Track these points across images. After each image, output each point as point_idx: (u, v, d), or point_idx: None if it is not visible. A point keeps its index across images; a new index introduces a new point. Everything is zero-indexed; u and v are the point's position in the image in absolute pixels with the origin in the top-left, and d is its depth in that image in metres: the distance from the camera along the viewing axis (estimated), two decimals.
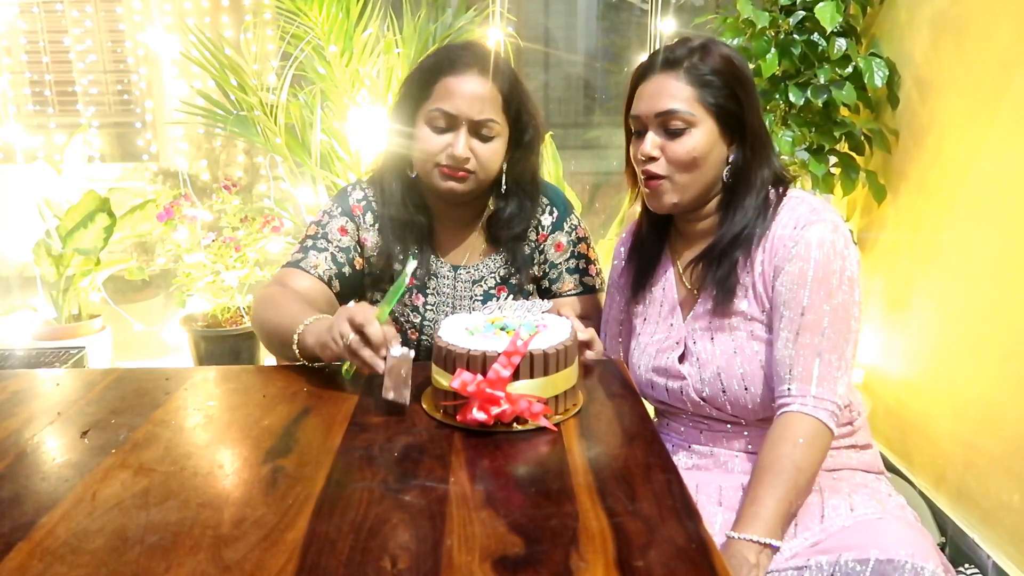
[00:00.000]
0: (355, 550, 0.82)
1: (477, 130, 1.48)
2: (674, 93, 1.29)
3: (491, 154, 1.51)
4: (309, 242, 1.59)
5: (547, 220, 1.67)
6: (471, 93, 1.46)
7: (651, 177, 1.33)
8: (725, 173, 1.33)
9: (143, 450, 1.07)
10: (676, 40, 1.35)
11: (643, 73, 1.34)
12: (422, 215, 1.60)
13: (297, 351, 1.34)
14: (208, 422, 1.18)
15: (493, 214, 1.62)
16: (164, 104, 3.60)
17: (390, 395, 1.18)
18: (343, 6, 2.79)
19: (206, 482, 0.99)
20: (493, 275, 1.64)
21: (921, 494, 2.27)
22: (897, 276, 2.45)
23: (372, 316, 1.19)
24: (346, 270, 1.60)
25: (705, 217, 1.39)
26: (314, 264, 1.56)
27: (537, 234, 1.67)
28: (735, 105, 1.29)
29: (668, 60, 1.31)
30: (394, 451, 1.07)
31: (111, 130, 3.73)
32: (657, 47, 3.09)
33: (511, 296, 1.64)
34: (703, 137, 1.29)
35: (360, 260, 1.62)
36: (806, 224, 1.28)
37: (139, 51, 3.61)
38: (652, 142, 1.31)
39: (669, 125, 1.29)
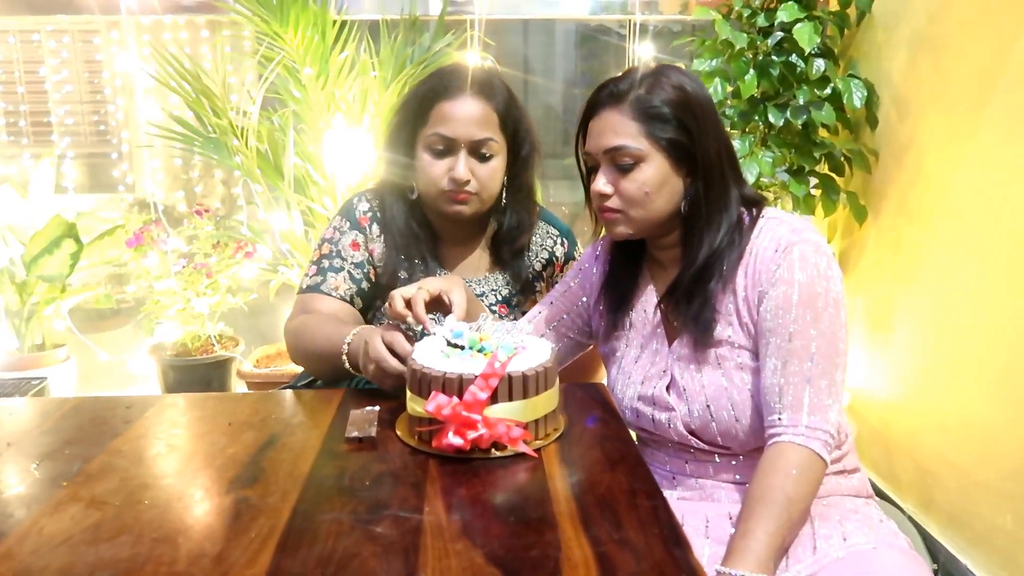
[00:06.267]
0: None
1: (476, 150, 1.49)
2: (620, 129, 1.26)
3: (491, 173, 1.52)
4: (325, 263, 1.58)
5: (560, 251, 1.73)
6: (467, 115, 1.47)
7: (605, 211, 1.32)
8: (682, 206, 1.30)
9: (97, 482, 1.02)
10: (624, 72, 1.33)
11: (591, 108, 1.32)
12: (426, 232, 1.61)
13: (350, 367, 1.36)
14: (169, 451, 1.13)
15: (496, 231, 1.64)
16: (140, 134, 3.56)
17: (354, 434, 1.16)
18: (319, 29, 2.77)
19: (163, 515, 0.93)
20: (495, 292, 1.64)
21: (910, 519, 2.23)
22: (880, 297, 2.44)
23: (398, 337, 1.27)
24: (364, 285, 1.60)
25: (669, 247, 1.36)
26: (334, 286, 1.56)
27: (552, 265, 1.72)
28: (686, 138, 1.26)
29: (613, 94, 1.28)
30: (366, 480, 1.02)
31: (86, 160, 3.70)
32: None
33: (512, 316, 1.64)
34: (653, 171, 1.26)
35: (374, 271, 1.62)
36: (788, 245, 1.25)
37: (116, 81, 3.59)
38: (604, 180, 1.29)
39: (618, 161, 1.27)
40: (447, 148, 1.49)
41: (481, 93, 1.49)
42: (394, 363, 1.23)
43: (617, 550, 0.84)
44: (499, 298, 1.64)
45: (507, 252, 1.65)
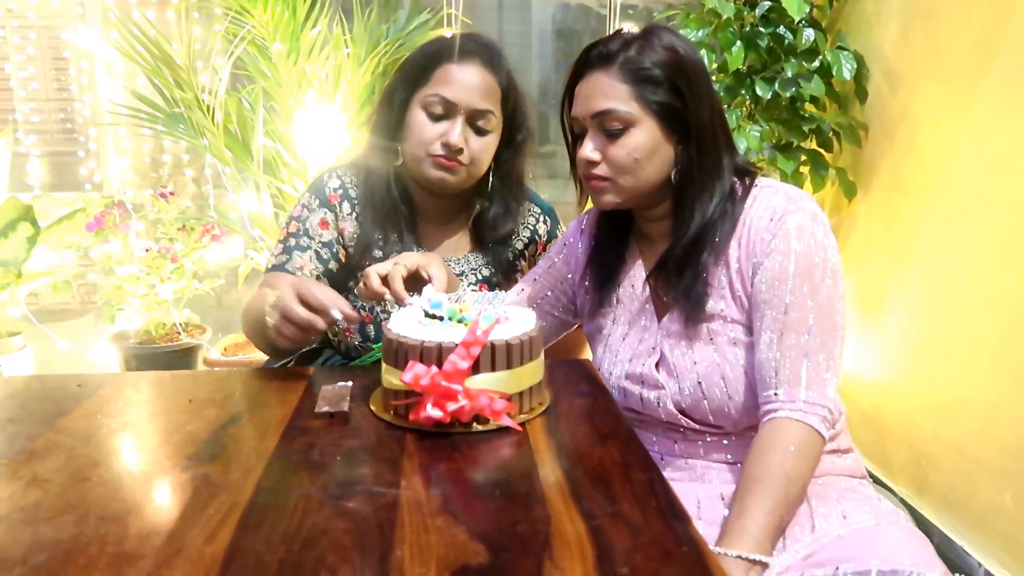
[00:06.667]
0: (286, 564, 0.70)
1: (474, 121, 1.44)
2: (609, 91, 1.19)
3: (484, 147, 1.47)
4: (291, 241, 1.51)
5: (542, 229, 1.68)
6: (472, 82, 1.43)
7: (592, 179, 1.25)
8: (673, 175, 1.23)
9: (40, 460, 0.93)
10: (613, 33, 1.26)
11: (578, 70, 1.25)
12: (406, 207, 1.55)
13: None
14: (122, 428, 1.04)
15: (479, 214, 1.59)
16: (107, 131, 3.46)
17: (324, 409, 1.08)
18: (289, 5, 2.68)
19: (111, 493, 0.85)
20: (475, 272, 1.58)
21: (903, 502, 2.19)
22: (871, 275, 2.39)
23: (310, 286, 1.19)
24: (332, 265, 1.53)
25: (659, 219, 1.30)
26: (299, 265, 1.49)
27: (535, 244, 1.67)
28: (678, 101, 1.19)
29: (602, 55, 1.21)
30: (337, 455, 0.95)
31: (53, 159, 3.60)
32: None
33: None
34: (644, 137, 1.20)
35: (344, 252, 1.55)
36: (783, 214, 1.19)
37: (83, 79, 3.49)
38: (592, 146, 1.22)
39: (607, 126, 1.20)
40: (445, 112, 1.43)
41: (490, 64, 1.45)
42: (301, 311, 1.15)
43: (612, 524, 0.78)
44: (479, 277, 1.58)
45: (491, 237, 1.59)
